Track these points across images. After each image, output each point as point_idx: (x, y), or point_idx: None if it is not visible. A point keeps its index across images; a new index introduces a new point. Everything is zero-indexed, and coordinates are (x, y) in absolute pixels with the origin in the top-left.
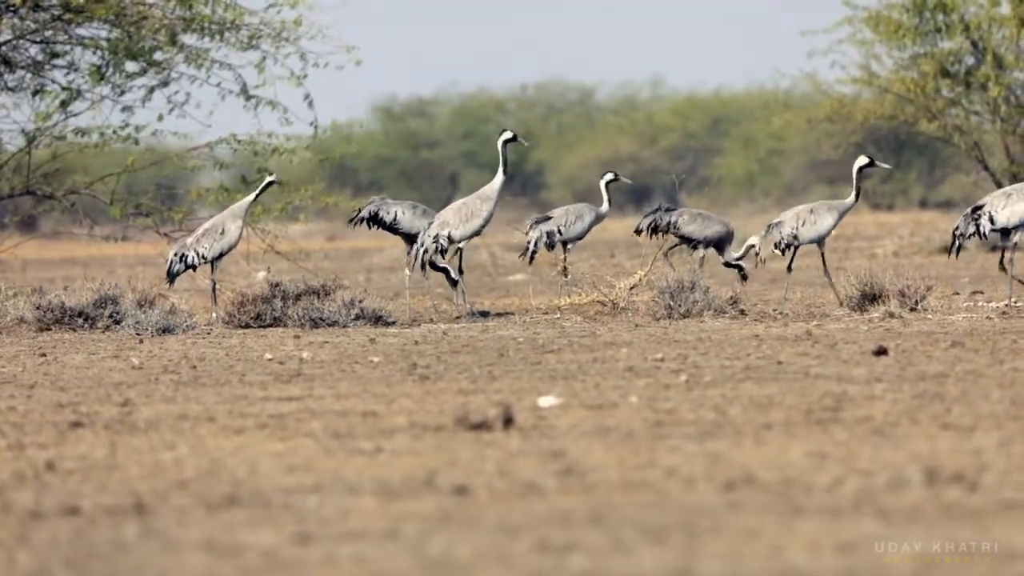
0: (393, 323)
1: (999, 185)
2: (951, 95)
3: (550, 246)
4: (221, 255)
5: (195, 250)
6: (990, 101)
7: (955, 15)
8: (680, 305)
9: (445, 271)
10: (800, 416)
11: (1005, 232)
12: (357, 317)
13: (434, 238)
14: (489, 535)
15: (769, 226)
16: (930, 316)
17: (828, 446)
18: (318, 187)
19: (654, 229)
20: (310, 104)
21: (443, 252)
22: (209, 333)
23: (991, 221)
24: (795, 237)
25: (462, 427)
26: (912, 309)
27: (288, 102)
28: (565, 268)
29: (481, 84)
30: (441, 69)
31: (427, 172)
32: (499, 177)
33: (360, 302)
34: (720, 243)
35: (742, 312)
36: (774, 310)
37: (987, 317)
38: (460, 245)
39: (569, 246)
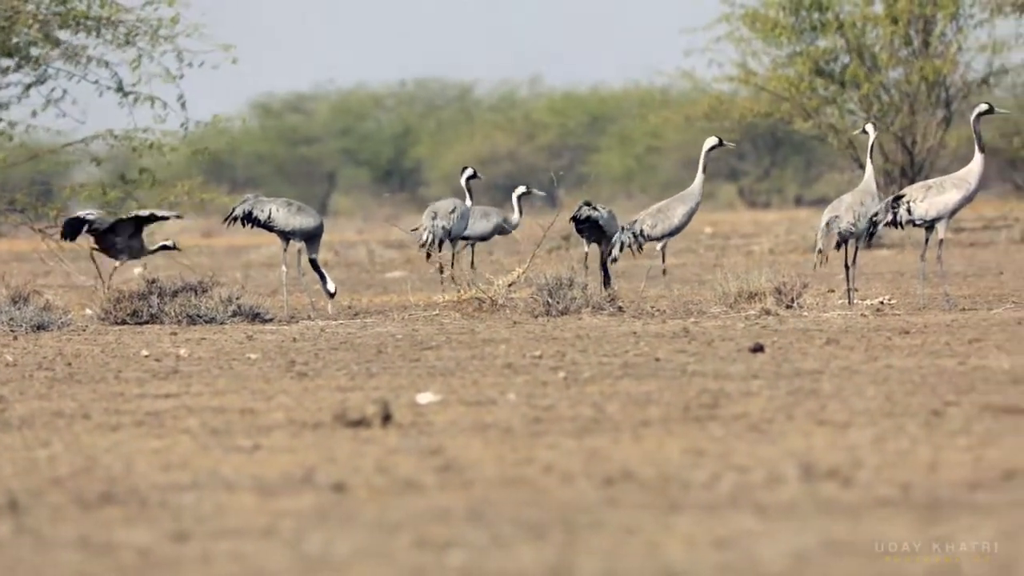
0: (271, 320)
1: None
2: (826, 94)
3: (441, 243)
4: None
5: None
6: (864, 99)
7: (830, 13)
8: (558, 302)
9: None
10: (677, 413)
11: (926, 225)
12: (234, 314)
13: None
14: (367, 532)
15: (623, 228)
16: (806, 313)
17: (705, 442)
18: (194, 183)
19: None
20: (183, 105)
21: (442, 243)
22: (84, 330)
23: (909, 212)
24: (642, 234)
25: (340, 424)
26: (788, 306)
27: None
28: (442, 265)
29: (359, 80)
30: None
31: (304, 169)
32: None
33: (237, 299)
34: (609, 242)
35: (620, 309)
36: (652, 307)
37: (861, 314)
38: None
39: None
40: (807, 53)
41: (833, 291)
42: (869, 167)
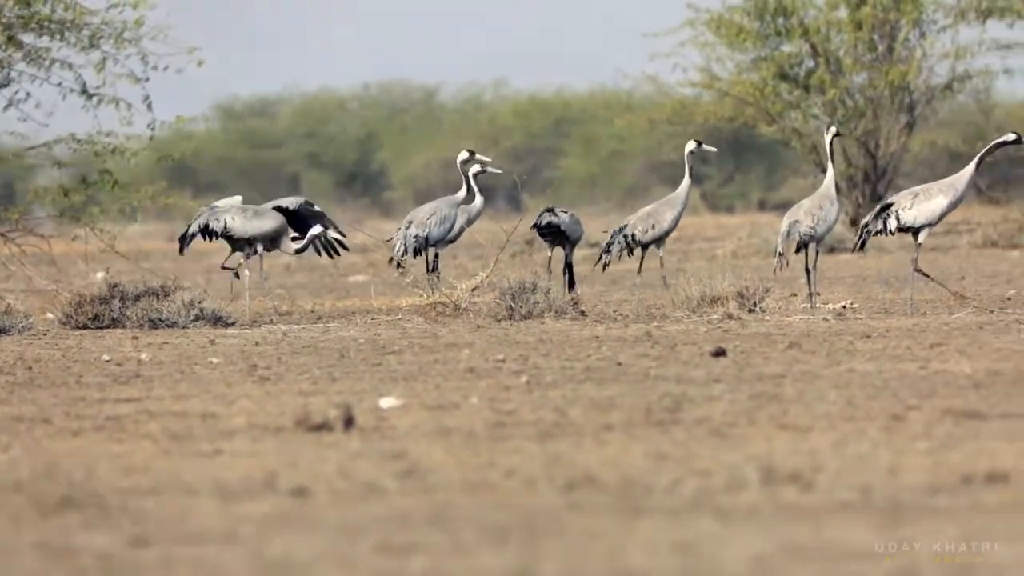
0: (233, 324)
1: (837, 187)
2: (790, 98)
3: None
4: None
5: None
6: (828, 104)
7: (794, 19)
8: (521, 306)
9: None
10: (640, 417)
11: (912, 231)
12: (197, 318)
13: (414, 237)
14: (329, 536)
15: (614, 232)
16: (768, 318)
17: (667, 447)
18: (157, 188)
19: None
20: (149, 106)
21: (417, 252)
22: (46, 334)
23: (897, 219)
24: (633, 238)
25: (302, 428)
26: (750, 310)
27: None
28: (404, 269)
29: (323, 84)
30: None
31: (268, 172)
32: (462, 191)
33: (200, 303)
34: (574, 244)
35: (583, 313)
36: (614, 311)
37: (824, 318)
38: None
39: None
40: (771, 58)
41: (795, 295)
42: (830, 171)
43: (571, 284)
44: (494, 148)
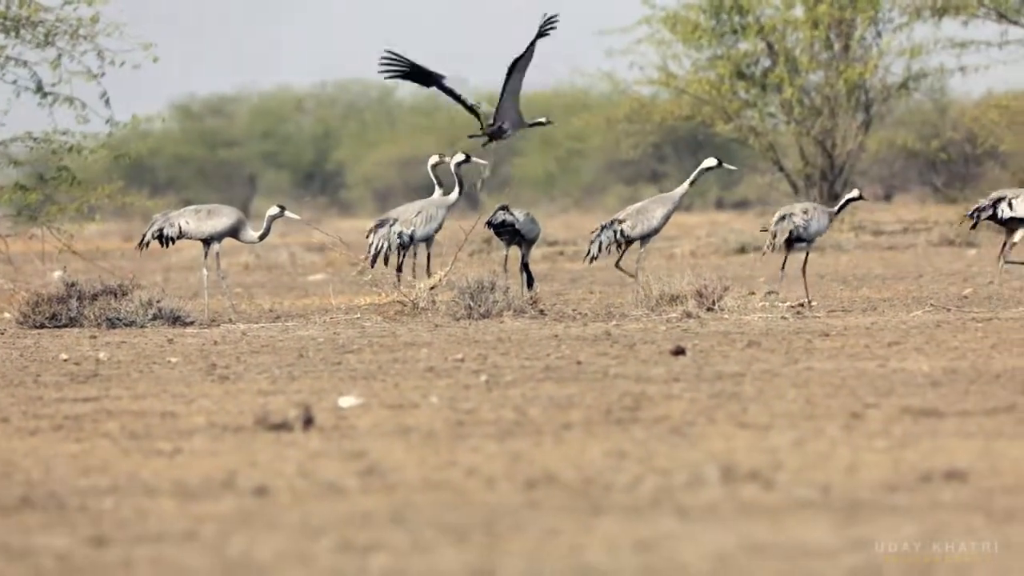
0: (191, 323)
1: (794, 186)
2: (747, 97)
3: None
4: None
5: None
6: (784, 103)
7: (751, 17)
8: (480, 305)
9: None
10: (599, 416)
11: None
12: (155, 317)
13: (398, 235)
14: (290, 536)
15: (603, 227)
16: (727, 316)
17: (627, 445)
18: (114, 187)
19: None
20: (107, 103)
21: (402, 249)
22: (3, 333)
23: (1010, 207)
24: (622, 233)
25: (262, 427)
26: (709, 309)
27: (85, 99)
28: (363, 268)
29: (281, 82)
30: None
31: (225, 172)
32: (455, 193)
33: (158, 302)
34: (531, 243)
35: (542, 312)
36: (573, 310)
37: (782, 317)
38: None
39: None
40: (728, 56)
41: (754, 294)
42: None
43: (529, 282)
44: (453, 147)
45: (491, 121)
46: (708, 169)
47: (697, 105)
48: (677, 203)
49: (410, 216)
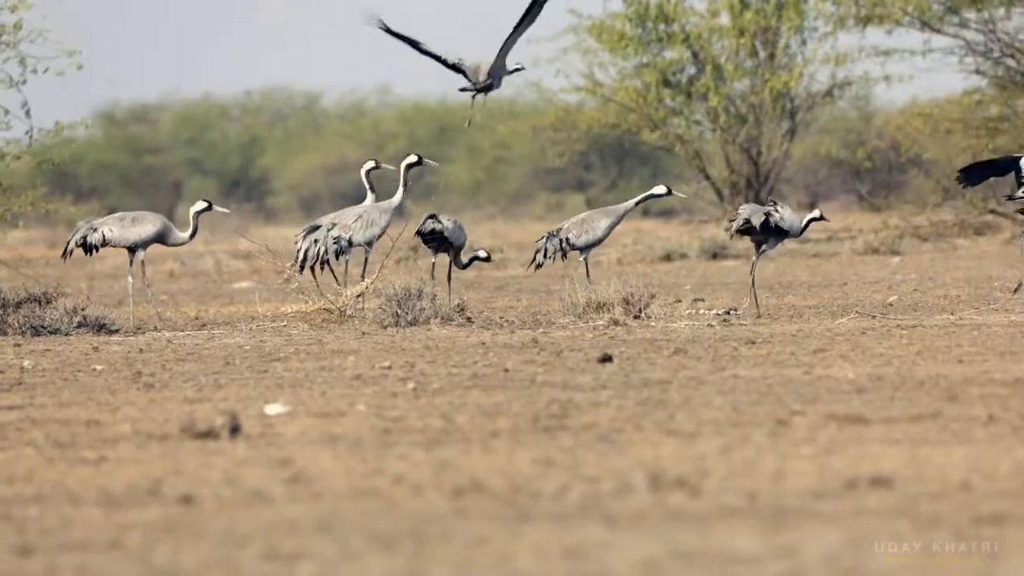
0: (117, 331)
1: (719, 194)
2: (673, 105)
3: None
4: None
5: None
6: (710, 111)
7: (676, 25)
8: (407, 313)
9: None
10: (527, 423)
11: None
12: (80, 325)
13: (335, 239)
14: (216, 544)
15: (548, 235)
16: (653, 323)
17: (555, 453)
18: (38, 193)
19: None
20: (27, 113)
21: (339, 254)
22: None
23: (568, 243)
24: (567, 241)
25: (188, 435)
26: (636, 317)
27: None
28: (289, 276)
29: (206, 90)
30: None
31: (150, 179)
32: (399, 195)
33: (83, 310)
34: (458, 250)
35: (469, 320)
36: (501, 318)
37: (708, 324)
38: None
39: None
40: (654, 64)
41: (680, 301)
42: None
43: (470, 262)
44: (378, 154)
45: (486, 78)
46: (656, 196)
47: (623, 113)
48: (621, 217)
49: (348, 221)
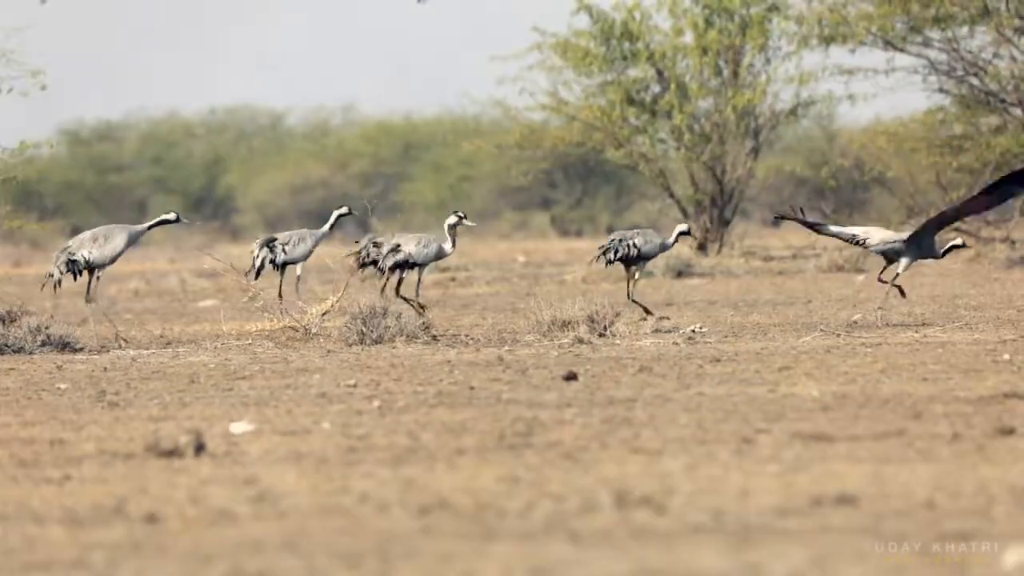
0: (81, 350)
1: (684, 212)
2: (637, 123)
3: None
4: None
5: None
6: (674, 129)
7: (641, 43)
8: (372, 331)
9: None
10: (492, 441)
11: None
12: (44, 344)
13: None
14: (181, 563)
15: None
16: (618, 342)
17: (520, 470)
18: (2, 211)
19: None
20: None
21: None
22: None
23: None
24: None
25: (152, 454)
26: (601, 335)
27: None
28: (254, 294)
29: (170, 108)
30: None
31: (115, 197)
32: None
33: (47, 328)
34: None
35: (434, 338)
36: (466, 336)
37: (673, 343)
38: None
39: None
40: (618, 82)
41: (645, 319)
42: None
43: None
44: (342, 173)
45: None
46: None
47: (588, 131)
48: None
49: (285, 238)
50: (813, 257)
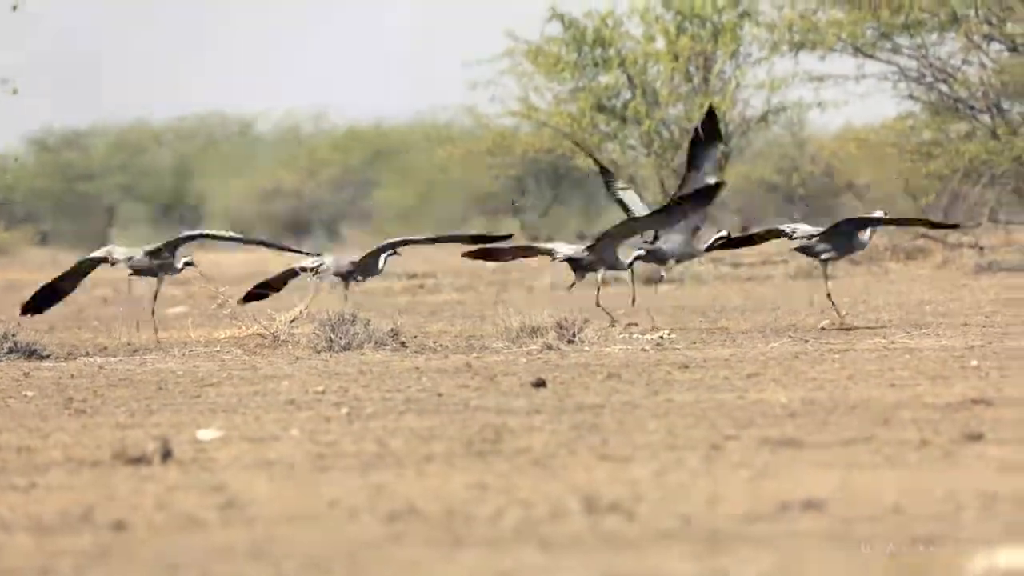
0: (48, 357)
1: None
2: (607, 129)
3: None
4: None
5: None
6: (644, 135)
7: (612, 50)
8: (341, 338)
9: None
10: (461, 448)
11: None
12: (10, 351)
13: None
14: (149, 570)
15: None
16: (587, 348)
17: (489, 477)
18: None
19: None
20: None
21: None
22: None
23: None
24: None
25: (120, 461)
26: (569, 341)
27: None
28: (223, 301)
29: (138, 116)
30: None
31: (83, 204)
32: None
33: (13, 336)
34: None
35: (403, 344)
36: (434, 342)
37: (642, 349)
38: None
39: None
40: (589, 89)
41: (614, 326)
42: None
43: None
44: (312, 180)
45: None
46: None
47: (558, 137)
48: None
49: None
50: (782, 263)
